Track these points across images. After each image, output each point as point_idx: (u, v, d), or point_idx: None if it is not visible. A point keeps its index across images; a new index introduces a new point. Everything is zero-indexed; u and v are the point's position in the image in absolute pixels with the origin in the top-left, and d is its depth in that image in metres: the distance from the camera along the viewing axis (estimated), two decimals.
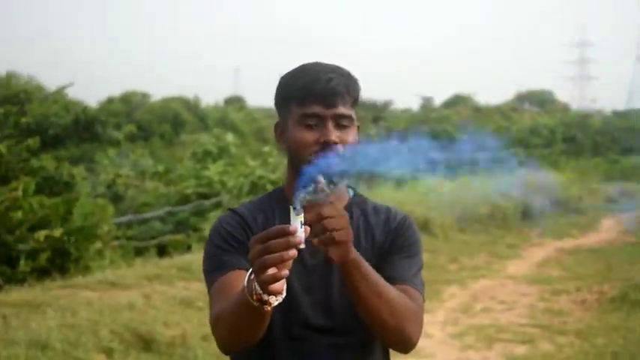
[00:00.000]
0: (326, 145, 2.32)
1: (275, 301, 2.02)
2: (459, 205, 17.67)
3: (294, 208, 1.99)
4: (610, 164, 35.73)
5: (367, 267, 2.18)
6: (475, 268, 13.92)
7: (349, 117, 2.38)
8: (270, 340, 2.37)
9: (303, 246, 1.95)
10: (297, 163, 2.37)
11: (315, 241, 2.04)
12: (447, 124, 41.77)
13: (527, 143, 40.08)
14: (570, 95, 76.43)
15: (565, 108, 60.50)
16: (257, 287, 1.99)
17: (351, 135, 2.38)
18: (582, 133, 41.21)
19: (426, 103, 59.99)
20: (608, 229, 19.40)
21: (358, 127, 2.47)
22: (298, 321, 2.40)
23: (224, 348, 2.31)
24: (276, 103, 2.50)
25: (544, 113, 54.08)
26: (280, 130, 2.48)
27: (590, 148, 40.06)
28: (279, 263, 1.92)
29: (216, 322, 2.26)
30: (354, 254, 2.12)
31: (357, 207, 2.56)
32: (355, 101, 2.43)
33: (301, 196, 2.02)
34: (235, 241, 2.41)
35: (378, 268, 2.32)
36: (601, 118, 46.16)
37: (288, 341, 2.40)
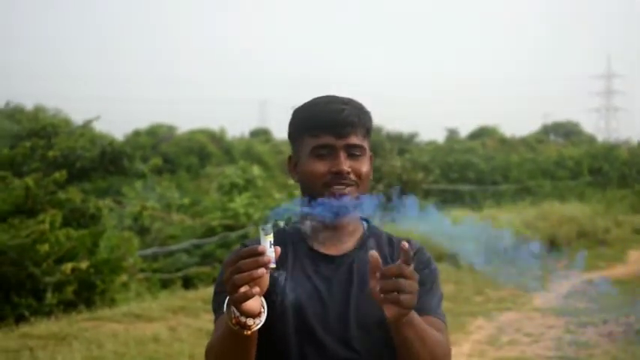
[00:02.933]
0: (338, 175, 2.37)
1: (254, 323, 2.05)
2: (484, 237, 17.59)
3: (263, 229, 2.03)
4: (637, 196, 35.46)
5: (417, 319, 2.19)
6: (501, 300, 13.85)
7: (361, 147, 2.43)
8: None
9: (273, 265, 2.00)
10: (309, 193, 2.41)
11: (379, 295, 2.07)
12: (472, 156, 41.70)
13: (553, 175, 39.93)
14: (596, 127, 76.11)
15: (591, 139, 60.27)
16: (235, 310, 2.02)
17: (364, 165, 2.43)
18: (609, 165, 40.98)
19: (451, 135, 59.94)
20: (635, 261, 19.25)
21: (371, 156, 2.51)
22: (316, 353, 2.38)
23: None
24: (290, 136, 2.54)
25: (570, 145, 53.88)
26: (294, 162, 2.52)
27: (617, 179, 39.81)
28: (248, 282, 1.96)
29: (207, 355, 2.27)
30: (409, 315, 2.13)
31: (372, 239, 2.55)
32: (367, 132, 2.48)
33: (276, 221, 2.07)
34: None
35: None
36: (627, 150, 45.88)
37: None
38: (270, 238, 2.02)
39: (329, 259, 2.47)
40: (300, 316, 2.38)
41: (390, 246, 2.56)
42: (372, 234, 2.57)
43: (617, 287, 14.93)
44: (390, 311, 2.07)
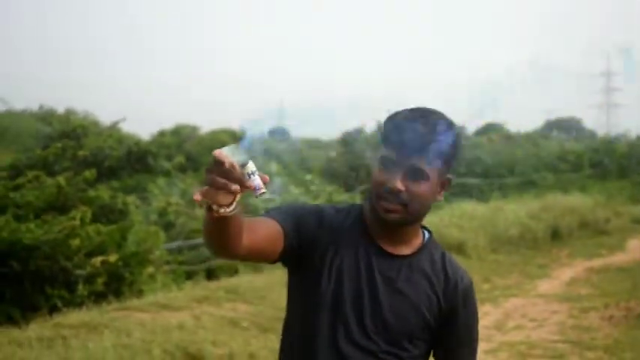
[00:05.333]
0: (389, 190, 2.34)
1: (221, 210, 2.01)
2: (491, 227, 17.54)
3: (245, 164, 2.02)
4: (635, 187, 35.27)
5: None
6: (507, 288, 13.80)
7: (422, 172, 2.34)
8: None
9: (263, 191, 2.00)
10: (369, 196, 2.43)
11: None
12: (479, 151, 41.58)
13: (555, 168, 39.76)
14: (597, 122, 75.68)
15: (592, 134, 60.06)
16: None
17: (423, 188, 2.36)
18: (608, 158, 40.75)
19: (460, 132, 59.83)
20: (634, 249, 19.15)
21: (444, 183, 2.46)
22: (342, 333, 2.41)
23: (209, 250, 2.30)
24: None
25: (572, 140, 53.67)
26: None
27: (616, 172, 39.58)
28: (222, 189, 1.94)
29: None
30: None
31: (429, 248, 2.55)
32: (441, 159, 2.39)
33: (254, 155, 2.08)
34: (307, 221, 2.42)
35: (437, 330, 2.47)
36: (626, 143, 45.61)
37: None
38: (253, 167, 2.03)
39: (383, 254, 2.47)
40: (337, 295, 2.41)
41: (442, 260, 2.57)
42: (431, 244, 2.57)
43: (617, 274, 14.91)
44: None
